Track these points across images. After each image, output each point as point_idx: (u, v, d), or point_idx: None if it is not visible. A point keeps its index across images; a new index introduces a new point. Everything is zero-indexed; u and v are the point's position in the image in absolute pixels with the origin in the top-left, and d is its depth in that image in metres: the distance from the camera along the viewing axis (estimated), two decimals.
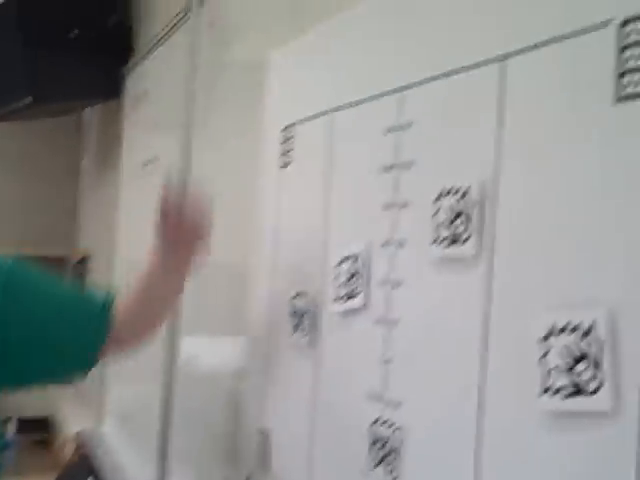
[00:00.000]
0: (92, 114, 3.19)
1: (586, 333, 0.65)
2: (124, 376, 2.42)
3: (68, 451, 2.71)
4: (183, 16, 1.90)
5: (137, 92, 2.44)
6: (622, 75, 0.64)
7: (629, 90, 0.63)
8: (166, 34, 2.09)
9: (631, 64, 0.63)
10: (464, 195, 0.81)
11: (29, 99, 2.46)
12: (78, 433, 2.61)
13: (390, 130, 0.97)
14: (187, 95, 1.81)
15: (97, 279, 2.99)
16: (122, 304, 1.23)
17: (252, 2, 1.53)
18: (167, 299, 1.32)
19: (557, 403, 0.67)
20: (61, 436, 3.04)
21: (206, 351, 1.65)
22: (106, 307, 1.21)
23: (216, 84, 1.67)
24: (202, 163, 1.72)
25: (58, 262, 3.33)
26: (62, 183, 3.41)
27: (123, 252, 2.51)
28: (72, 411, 3.07)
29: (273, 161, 1.28)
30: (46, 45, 2.43)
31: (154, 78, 2.26)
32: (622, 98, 0.64)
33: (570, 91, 0.70)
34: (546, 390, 0.68)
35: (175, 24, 1.99)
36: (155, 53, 2.24)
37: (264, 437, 1.25)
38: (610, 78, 0.65)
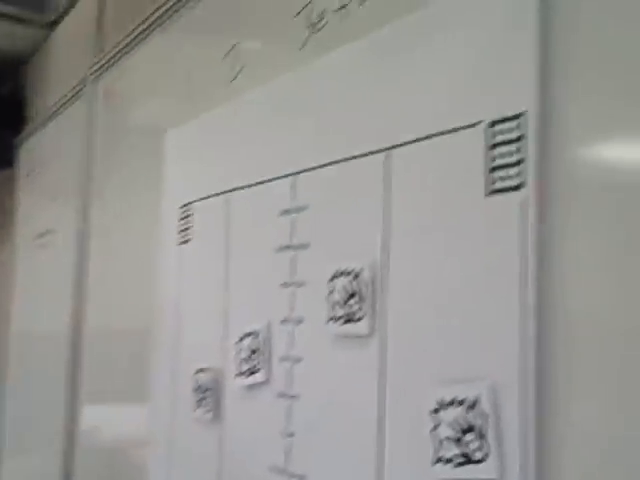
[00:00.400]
0: None
1: (471, 406, 0.71)
2: (20, 448, 2.36)
3: None
4: (81, 88, 1.93)
5: (31, 162, 2.43)
6: (492, 170, 0.71)
7: (497, 185, 0.70)
8: (62, 105, 2.10)
9: (499, 161, 0.70)
10: (356, 276, 0.87)
11: None
12: None
13: (285, 212, 1.02)
14: (83, 167, 1.82)
15: None
16: None
17: (149, 79, 1.57)
18: None
19: (449, 472, 0.72)
20: None
21: (109, 421, 1.65)
22: None
23: (113, 157, 1.70)
24: (100, 235, 1.74)
25: None
26: None
27: (18, 325, 2.47)
28: None
29: (172, 237, 1.31)
30: None
31: (49, 149, 2.26)
32: (492, 192, 0.71)
33: (448, 183, 0.77)
34: (439, 460, 0.74)
35: (73, 96, 2.01)
36: (51, 124, 2.24)
37: None
38: (481, 173, 0.72)
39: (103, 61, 1.79)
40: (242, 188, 1.12)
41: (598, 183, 0.63)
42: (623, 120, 0.62)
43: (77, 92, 1.96)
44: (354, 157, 0.90)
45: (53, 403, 1.95)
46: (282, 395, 1.00)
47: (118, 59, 1.72)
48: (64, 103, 2.08)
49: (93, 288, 1.76)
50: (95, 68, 1.84)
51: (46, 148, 2.30)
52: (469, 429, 0.71)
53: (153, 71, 1.54)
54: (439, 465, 0.74)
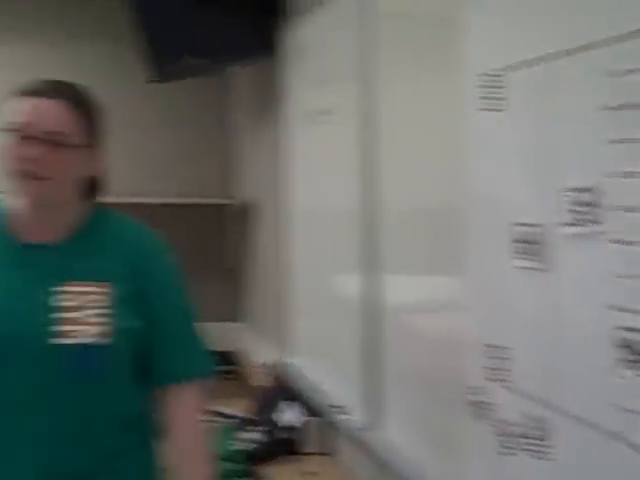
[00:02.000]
0: (242, 70, 3.34)
1: None
2: (309, 312, 2.62)
3: (257, 380, 2.98)
4: None
5: (297, 48, 2.60)
6: None
7: None
8: None
9: None
10: None
11: (196, 58, 2.66)
12: (266, 364, 2.86)
13: (611, 75, 1.09)
14: (364, 47, 1.95)
15: (262, 228, 3.23)
16: None
17: None
18: None
19: None
20: (247, 367, 3.32)
21: (415, 292, 1.83)
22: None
23: (397, 42, 1.81)
24: (388, 113, 1.88)
25: (216, 210, 3.60)
26: (214, 137, 3.65)
27: (295, 200, 2.71)
28: (254, 345, 3.34)
29: (480, 106, 1.42)
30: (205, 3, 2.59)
31: (318, 35, 2.41)
32: None
33: None
34: None
35: None
36: (316, 10, 2.39)
37: (493, 351, 1.42)
38: None
39: None
40: (559, 55, 1.20)
41: None
42: None
43: None
44: None
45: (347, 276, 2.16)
46: (618, 241, 1.10)
47: None
48: None
49: (385, 164, 1.93)
50: None
51: (314, 35, 2.46)
52: None
53: None
54: None
